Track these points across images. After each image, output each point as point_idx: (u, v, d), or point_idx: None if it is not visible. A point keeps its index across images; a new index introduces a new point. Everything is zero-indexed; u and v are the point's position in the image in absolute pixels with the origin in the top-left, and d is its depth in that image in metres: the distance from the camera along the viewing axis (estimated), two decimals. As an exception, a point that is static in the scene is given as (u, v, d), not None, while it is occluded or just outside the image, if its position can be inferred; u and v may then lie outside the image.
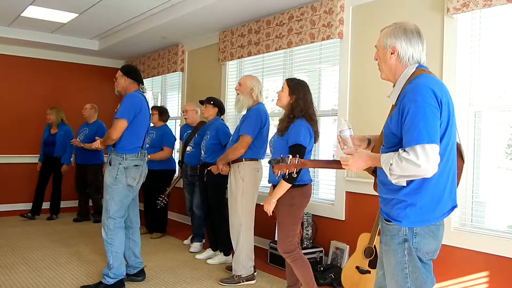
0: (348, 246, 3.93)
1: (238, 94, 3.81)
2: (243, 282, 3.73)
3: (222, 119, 4.59)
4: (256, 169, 3.74)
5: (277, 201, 3.04)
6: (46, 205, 6.34)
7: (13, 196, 6.80)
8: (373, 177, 2.05)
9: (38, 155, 6.41)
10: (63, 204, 6.53)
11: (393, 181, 1.78)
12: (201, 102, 4.57)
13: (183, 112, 5.11)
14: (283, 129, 3.10)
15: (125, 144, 3.44)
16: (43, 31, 6.45)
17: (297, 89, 3.13)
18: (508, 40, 3.13)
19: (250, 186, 3.70)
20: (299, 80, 3.25)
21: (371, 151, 2.04)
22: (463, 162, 2.01)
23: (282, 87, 3.20)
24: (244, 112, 3.83)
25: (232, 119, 5.52)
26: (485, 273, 3.09)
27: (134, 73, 3.62)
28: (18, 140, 6.91)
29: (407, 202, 1.81)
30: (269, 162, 2.30)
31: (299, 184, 3.06)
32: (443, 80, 3.34)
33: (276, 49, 4.71)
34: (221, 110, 4.53)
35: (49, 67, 7.24)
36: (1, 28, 6.20)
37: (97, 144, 3.61)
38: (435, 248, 1.87)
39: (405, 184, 1.79)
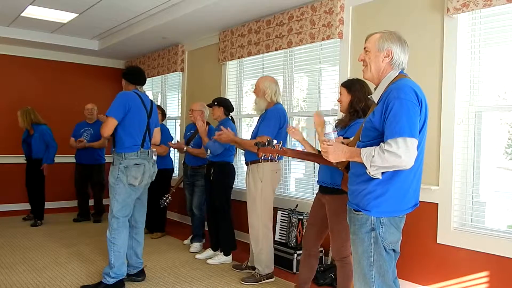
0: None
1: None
2: (263, 280, 3.77)
3: (231, 117, 4.52)
4: (274, 170, 3.77)
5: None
6: (47, 205, 6.24)
7: (13, 196, 6.80)
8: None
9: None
10: (63, 204, 6.52)
11: (372, 173, 1.91)
12: (209, 105, 4.56)
13: (189, 111, 5.07)
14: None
15: (122, 143, 3.46)
16: (43, 31, 6.45)
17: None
18: (508, 40, 3.13)
19: (268, 187, 3.75)
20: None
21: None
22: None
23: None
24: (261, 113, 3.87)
25: (232, 119, 5.50)
26: (485, 273, 3.09)
27: (129, 75, 3.68)
28: (18, 139, 6.89)
29: (377, 192, 1.95)
30: (256, 144, 2.46)
31: None
32: (443, 80, 3.35)
33: (276, 49, 4.71)
34: (227, 108, 4.45)
35: (49, 67, 7.24)
36: (1, 28, 6.20)
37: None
38: (397, 239, 2.04)
39: (380, 177, 1.92)
